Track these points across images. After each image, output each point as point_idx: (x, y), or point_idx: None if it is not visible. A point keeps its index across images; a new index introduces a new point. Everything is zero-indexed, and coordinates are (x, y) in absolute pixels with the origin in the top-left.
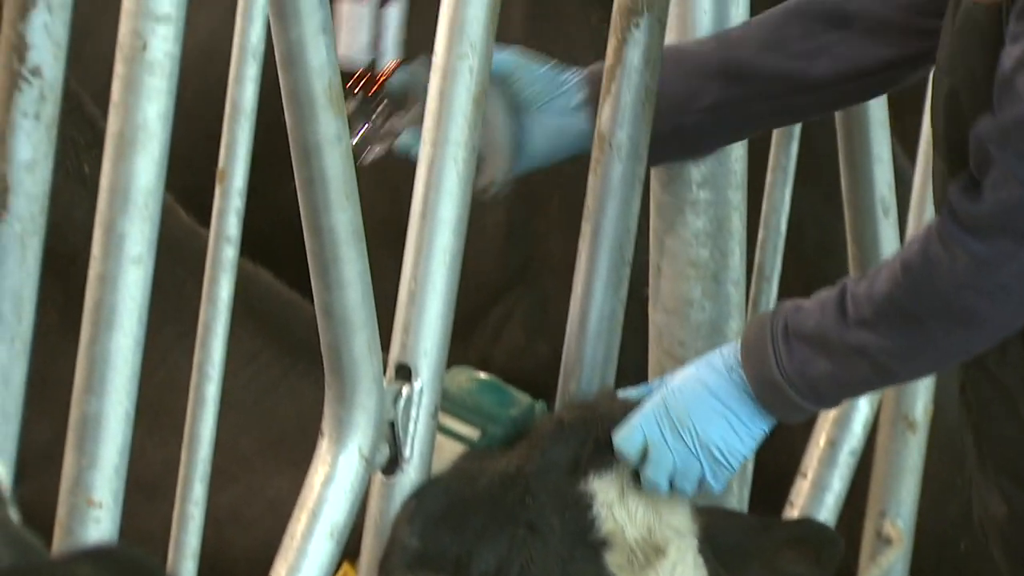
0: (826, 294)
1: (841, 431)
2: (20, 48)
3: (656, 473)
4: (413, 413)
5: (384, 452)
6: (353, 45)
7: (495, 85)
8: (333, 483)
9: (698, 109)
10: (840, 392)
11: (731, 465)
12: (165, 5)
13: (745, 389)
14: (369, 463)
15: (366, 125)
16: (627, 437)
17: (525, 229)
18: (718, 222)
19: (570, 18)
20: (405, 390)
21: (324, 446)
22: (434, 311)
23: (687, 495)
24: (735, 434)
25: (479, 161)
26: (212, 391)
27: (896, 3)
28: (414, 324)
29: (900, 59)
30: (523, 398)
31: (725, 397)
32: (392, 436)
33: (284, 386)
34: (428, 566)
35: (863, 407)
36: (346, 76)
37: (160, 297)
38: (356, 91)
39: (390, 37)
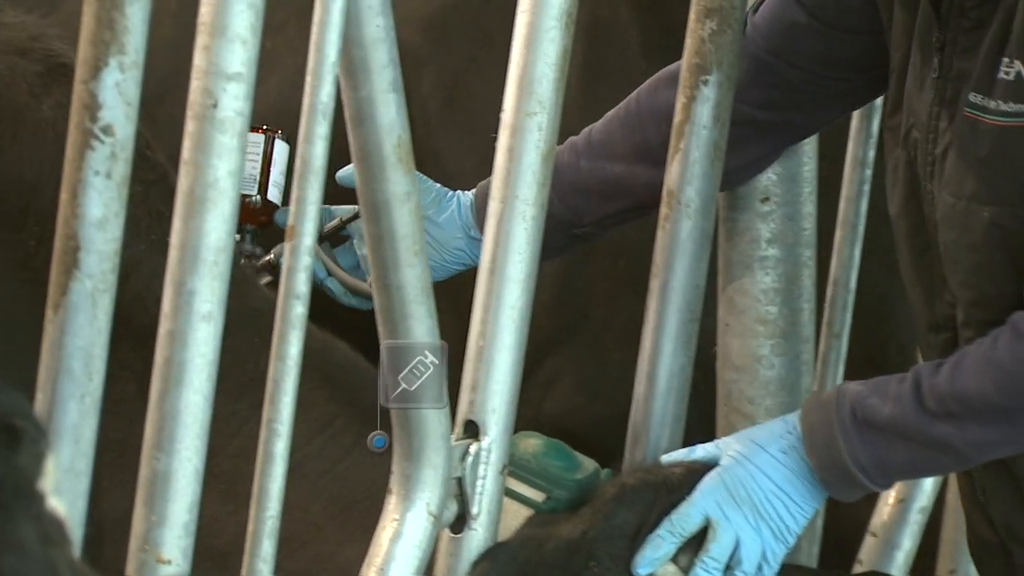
0: (895, 384)
1: (911, 489)
2: (92, 107)
3: (720, 551)
4: (481, 470)
5: (452, 509)
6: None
7: None
8: (401, 540)
9: (586, 223)
10: (913, 476)
11: (787, 543)
12: (236, 64)
13: (802, 473)
14: (437, 520)
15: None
16: (687, 514)
17: (580, 282)
18: (788, 279)
19: (630, 74)
20: (473, 447)
21: (392, 503)
22: (502, 368)
23: None
24: (790, 514)
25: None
26: (281, 448)
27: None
28: (482, 382)
29: (759, 158)
30: (589, 463)
31: (782, 481)
32: (460, 493)
33: (357, 453)
34: None
35: None
36: None
37: (237, 367)
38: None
39: (276, 172)
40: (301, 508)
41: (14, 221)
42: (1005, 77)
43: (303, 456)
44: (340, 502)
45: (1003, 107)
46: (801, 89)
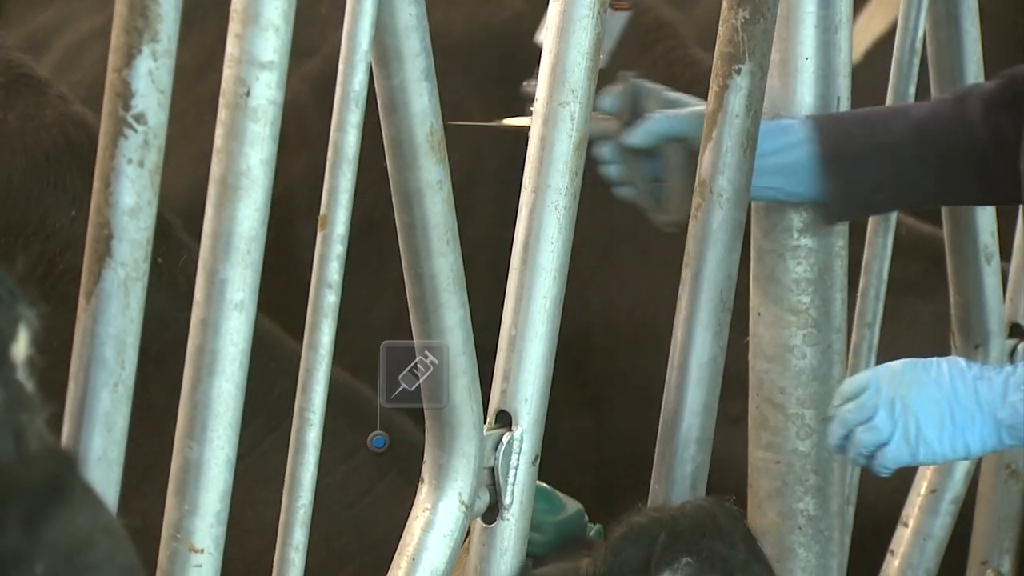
0: None
1: (943, 479)
2: (125, 95)
3: (855, 414)
4: (513, 460)
5: (484, 499)
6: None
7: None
8: (433, 529)
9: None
10: None
11: (913, 455)
12: (268, 52)
13: (987, 408)
14: (469, 510)
15: None
16: (856, 379)
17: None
18: (820, 269)
19: None
20: (505, 437)
21: (424, 492)
22: (535, 358)
23: (859, 457)
24: (938, 434)
25: (666, 200)
26: (313, 436)
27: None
28: (514, 371)
29: None
30: (572, 505)
31: (957, 405)
32: (492, 483)
33: (382, 487)
34: None
35: None
36: None
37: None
38: None
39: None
40: (325, 539)
41: None
42: None
43: (324, 486)
44: (368, 536)
45: None
46: None
